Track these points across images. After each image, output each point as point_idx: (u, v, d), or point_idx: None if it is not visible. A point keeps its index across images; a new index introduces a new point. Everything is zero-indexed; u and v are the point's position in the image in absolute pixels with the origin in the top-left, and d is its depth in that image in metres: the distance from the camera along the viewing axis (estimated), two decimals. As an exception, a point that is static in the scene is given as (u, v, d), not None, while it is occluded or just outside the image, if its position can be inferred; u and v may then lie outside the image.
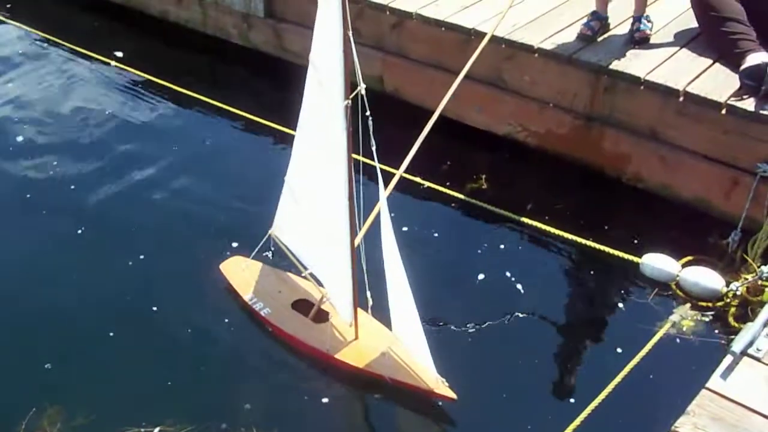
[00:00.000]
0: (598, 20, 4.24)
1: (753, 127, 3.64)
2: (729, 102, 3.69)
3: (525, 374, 3.34)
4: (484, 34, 4.06)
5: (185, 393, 3.24)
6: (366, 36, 4.77)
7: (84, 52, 5.84)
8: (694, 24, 4.25)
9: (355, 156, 2.85)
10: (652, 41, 4.19)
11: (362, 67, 2.60)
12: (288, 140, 4.54)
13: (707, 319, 3.52)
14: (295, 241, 3.53)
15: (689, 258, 3.77)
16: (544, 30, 4.35)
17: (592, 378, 3.29)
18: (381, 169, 2.84)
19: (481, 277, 3.80)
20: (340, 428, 3.26)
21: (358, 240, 3.14)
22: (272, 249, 3.62)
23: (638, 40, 4.16)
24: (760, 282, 3.49)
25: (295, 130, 3.15)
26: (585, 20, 4.28)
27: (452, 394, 3.06)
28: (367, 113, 2.64)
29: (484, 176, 4.42)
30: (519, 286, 3.75)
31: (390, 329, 3.29)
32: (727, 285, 3.58)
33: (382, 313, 3.30)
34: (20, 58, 5.86)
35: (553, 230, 4.00)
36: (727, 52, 3.94)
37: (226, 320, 3.56)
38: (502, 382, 3.30)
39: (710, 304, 3.57)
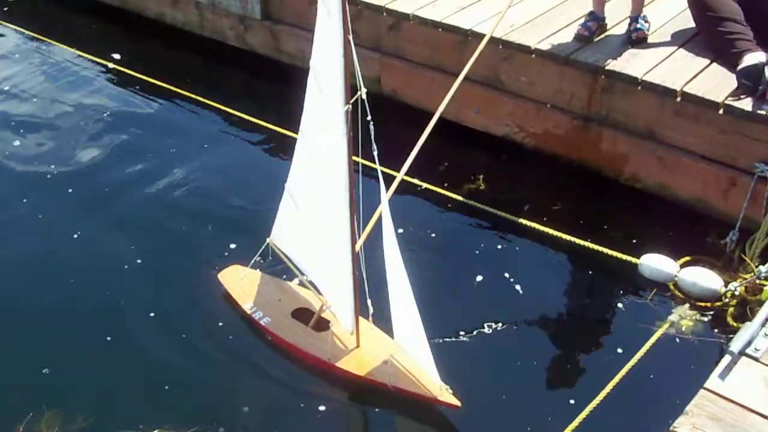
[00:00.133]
0: (596, 21, 4.24)
1: (750, 127, 3.64)
2: (726, 102, 3.69)
3: (524, 375, 3.34)
4: (481, 35, 4.06)
5: (183, 399, 3.23)
6: (364, 37, 4.77)
7: (81, 55, 5.85)
8: (692, 24, 4.25)
9: (354, 158, 2.83)
10: (649, 41, 4.20)
11: (360, 69, 2.58)
12: (285, 141, 4.57)
13: (706, 319, 3.52)
14: (294, 248, 3.49)
15: (687, 258, 3.77)
16: (541, 31, 4.35)
17: (591, 378, 3.29)
18: (381, 172, 2.81)
19: (479, 278, 3.79)
20: (341, 436, 3.24)
21: (358, 246, 3.12)
22: (270, 257, 3.59)
23: (635, 40, 4.16)
24: (758, 281, 3.49)
25: (292, 131, 3.15)
26: (582, 21, 4.28)
27: (456, 402, 3.02)
28: (368, 118, 2.61)
29: (481, 177, 4.42)
30: (517, 287, 3.74)
31: (391, 337, 3.25)
32: (726, 285, 3.58)
33: (383, 321, 3.28)
34: (17, 60, 5.85)
35: (551, 231, 4.00)
36: (724, 52, 3.94)
37: (224, 326, 3.55)
38: (502, 383, 3.30)
39: (708, 304, 3.57)
